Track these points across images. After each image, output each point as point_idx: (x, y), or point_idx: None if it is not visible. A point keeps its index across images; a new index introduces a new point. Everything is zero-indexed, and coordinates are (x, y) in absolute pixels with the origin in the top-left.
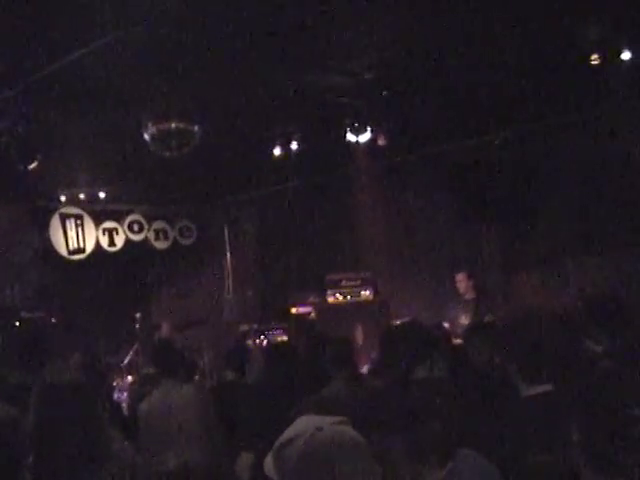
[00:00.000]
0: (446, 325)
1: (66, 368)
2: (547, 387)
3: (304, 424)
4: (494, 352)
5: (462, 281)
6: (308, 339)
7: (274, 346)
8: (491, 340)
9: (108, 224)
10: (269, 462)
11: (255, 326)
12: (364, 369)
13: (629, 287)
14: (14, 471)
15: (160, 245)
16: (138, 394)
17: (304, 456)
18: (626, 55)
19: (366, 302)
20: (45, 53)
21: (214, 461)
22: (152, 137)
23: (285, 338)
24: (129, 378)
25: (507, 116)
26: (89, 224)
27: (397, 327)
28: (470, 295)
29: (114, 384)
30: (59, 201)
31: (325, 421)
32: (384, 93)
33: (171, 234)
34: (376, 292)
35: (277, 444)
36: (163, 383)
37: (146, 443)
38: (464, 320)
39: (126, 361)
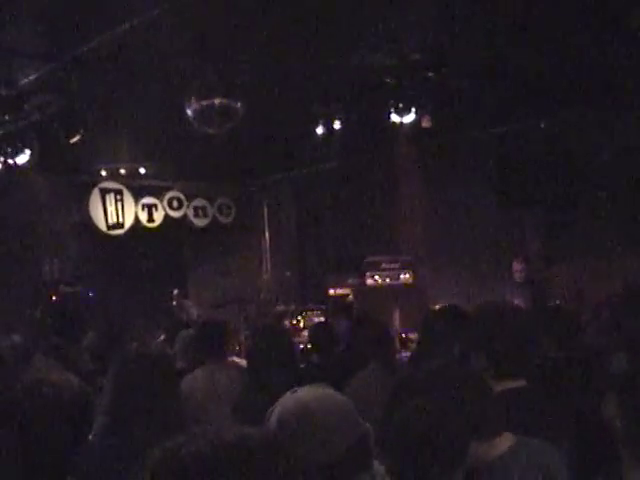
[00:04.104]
0: None
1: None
2: (520, 383)
3: (286, 394)
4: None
5: (520, 266)
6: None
7: (313, 326)
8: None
9: (147, 200)
10: None
11: (292, 307)
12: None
13: None
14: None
15: (199, 222)
16: None
17: (280, 417)
18: None
19: (405, 286)
20: (91, 27)
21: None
22: (195, 113)
23: (322, 319)
24: None
25: (554, 101)
26: (129, 199)
27: (436, 312)
28: (522, 279)
29: None
30: (99, 175)
31: (303, 386)
32: (430, 74)
33: (210, 212)
34: (415, 276)
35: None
36: (208, 364)
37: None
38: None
39: (162, 338)
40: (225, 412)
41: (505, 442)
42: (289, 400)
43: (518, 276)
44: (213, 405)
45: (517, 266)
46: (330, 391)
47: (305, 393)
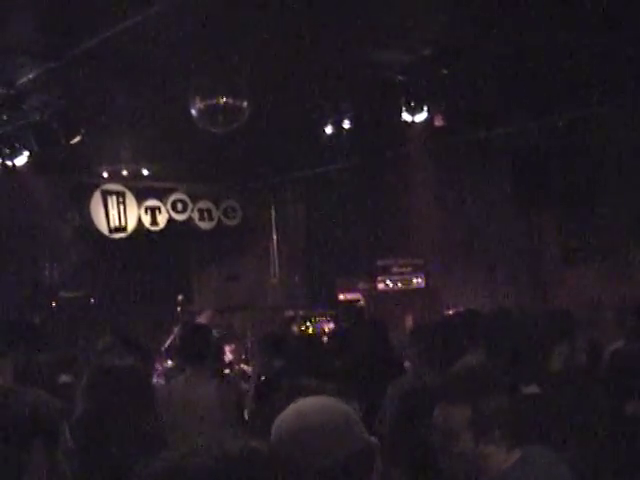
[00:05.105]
0: None
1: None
2: (532, 390)
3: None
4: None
5: None
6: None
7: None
8: None
9: (151, 202)
10: None
11: (301, 312)
12: None
13: None
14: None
15: (204, 225)
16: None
17: (278, 426)
18: None
19: (417, 290)
20: (91, 24)
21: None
22: (199, 112)
23: (332, 326)
24: (169, 362)
25: (570, 98)
26: (131, 202)
27: (451, 317)
28: None
29: (157, 367)
30: (101, 177)
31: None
32: (443, 71)
33: (216, 214)
34: (428, 279)
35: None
36: (188, 372)
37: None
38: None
39: (167, 345)
40: (199, 423)
41: (515, 453)
42: (289, 410)
43: None
44: (187, 416)
45: None
46: (332, 401)
47: (305, 403)
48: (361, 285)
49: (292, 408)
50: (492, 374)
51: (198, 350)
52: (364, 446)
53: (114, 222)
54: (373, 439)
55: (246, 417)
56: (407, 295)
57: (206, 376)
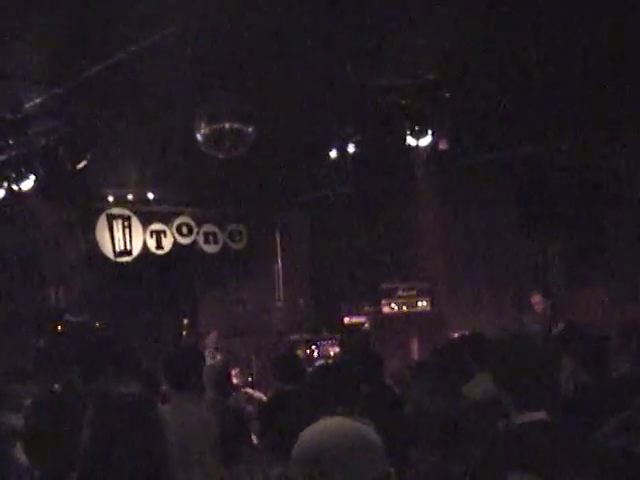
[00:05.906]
0: None
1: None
2: (541, 415)
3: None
4: None
5: (539, 302)
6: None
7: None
8: None
9: (156, 226)
10: None
11: (306, 336)
12: None
13: None
14: None
15: (209, 249)
16: None
17: (300, 445)
18: None
19: (422, 313)
20: (95, 52)
21: None
22: (204, 137)
23: (337, 349)
24: None
25: (575, 122)
26: (137, 226)
27: (457, 340)
28: (542, 311)
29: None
30: (106, 201)
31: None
32: (447, 95)
33: (221, 238)
34: (433, 303)
35: None
36: (174, 399)
37: None
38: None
39: None
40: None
41: None
42: (313, 428)
43: (537, 308)
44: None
45: (535, 298)
46: (358, 424)
47: (330, 422)
48: (366, 308)
49: (317, 427)
50: (464, 420)
51: (179, 375)
52: (384, 474)
53: (119, 246)
54: (390, 468)
55: (254, 440)
56: (412, 318)
57: (192, 401)
